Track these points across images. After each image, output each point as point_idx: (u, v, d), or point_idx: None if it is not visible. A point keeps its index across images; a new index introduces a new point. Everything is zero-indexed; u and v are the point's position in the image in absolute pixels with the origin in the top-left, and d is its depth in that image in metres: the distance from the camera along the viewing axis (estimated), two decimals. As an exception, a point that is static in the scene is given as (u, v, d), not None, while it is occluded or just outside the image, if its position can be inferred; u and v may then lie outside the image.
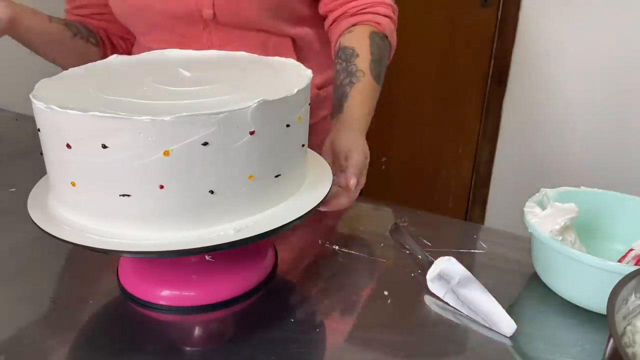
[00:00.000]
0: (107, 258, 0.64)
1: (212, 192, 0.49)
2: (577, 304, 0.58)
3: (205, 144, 0.46)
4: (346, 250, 0.68)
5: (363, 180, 0.67)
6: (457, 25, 1.91)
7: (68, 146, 0.47)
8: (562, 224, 0.59)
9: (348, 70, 0.78)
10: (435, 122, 2.07)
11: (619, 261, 0.59)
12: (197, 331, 0.55)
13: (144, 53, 0.68)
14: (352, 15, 0.81)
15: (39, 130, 0.50)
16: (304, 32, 0.87)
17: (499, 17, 1.83)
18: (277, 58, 0.66)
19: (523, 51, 1.84)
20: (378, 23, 0.81)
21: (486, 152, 2.02)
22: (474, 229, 0.76)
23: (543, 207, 0.62)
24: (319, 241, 0.70)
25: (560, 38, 1.78)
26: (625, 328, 0.44)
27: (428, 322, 0.56)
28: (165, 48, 0.70)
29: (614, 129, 1.80)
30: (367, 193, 1.00)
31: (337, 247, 0.68)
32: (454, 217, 0.80)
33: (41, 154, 0.52)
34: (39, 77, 0.56)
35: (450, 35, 1.93)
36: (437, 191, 2.17)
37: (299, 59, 0.66)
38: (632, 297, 0.44)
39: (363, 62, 0.77)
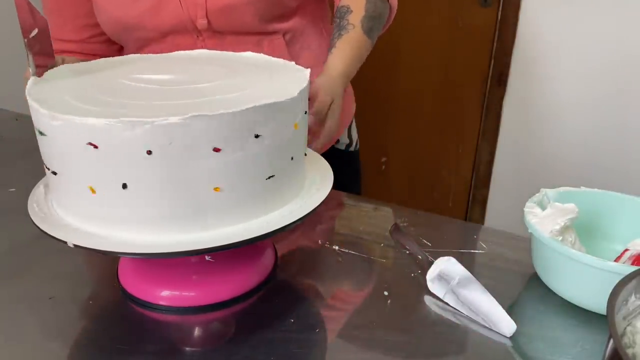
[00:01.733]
0: (107, 258, 0.64)
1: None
2: (577, 304, 0.58)
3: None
4: (346, 250, 0.68)
5: (331, 124, 0.66)
6: (457, 25, 1.91)
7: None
8: (562, 224, 0.58)
9: (340, 25, 0.79)
10: (435, 122, 2.07)
11: (615, 262, 0.59)
12: (197, 331, 0.55)
13: (123, 56, 0.67)
14: None
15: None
16: (295, 23, 0.87)
17: (499, 17, 1.83)
18: (248, 53, 0.67)
19: (523, 51, 1.84)
20: None
21: (486, 152, 2.02)
22: (474, 229, 0.76)
23: (543, 207, 0.62)
24: (319, 241, 0.70)
25: (560, 38, 1.78)
26: (625, 328, 0.44)
27: (428, 322, 0.56)
28: None
29: (614, 129, 1.80)
30: (367, 193, 1.00)
31: (337, 247, 0.68)
32: (454, 217, 0.80)
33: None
34: (39, 77, 0.55)
35: (450, 35, 1.93)
36: (437, 191, 2.17)
37: (292, 57, 0.66)
38: (632, 298, 0.44)
39: (355, 17, 0.79)
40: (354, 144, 1.05)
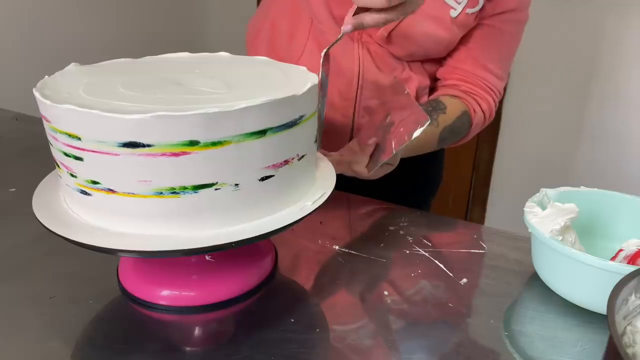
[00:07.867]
0: (107, 258, 0.64)
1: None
2: (577, 304, 0.58)
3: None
4: (346, 250, 0.68)
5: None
6: (457, 25, 1.91)
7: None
8: (562, 224, 0.59)
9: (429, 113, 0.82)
10: (435, 122, 2.07)
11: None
12: (197, 331, 0.55)
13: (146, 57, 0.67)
14: (463, 91, 0.88)
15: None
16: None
17: (499, 17, 1.83)
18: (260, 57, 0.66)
19: (523, 51, 1.84)
20: (474, 111, 0.88)
21: (486, 152, 2.02)
22: (474, 229, 0.76)
23: (543, 207, 0.62)
24: (319, 241, 0.70)
25: (560, 38, 1.78)
26: (625, 328, 0.44)
27: (428, 322, 0.56)
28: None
29: (614, 129, 1.80)
30: (368, 193, 0.99)
31: (337, 247, 0.68)
32: (454, 217, 0.80)
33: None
34: (38, 77, 0.55)
35: (450, 35, 1.93)
36: (437, 191, 2.17)
37: None
38: (632, 297, 0.44)
39: (443, 120, 0.83)
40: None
